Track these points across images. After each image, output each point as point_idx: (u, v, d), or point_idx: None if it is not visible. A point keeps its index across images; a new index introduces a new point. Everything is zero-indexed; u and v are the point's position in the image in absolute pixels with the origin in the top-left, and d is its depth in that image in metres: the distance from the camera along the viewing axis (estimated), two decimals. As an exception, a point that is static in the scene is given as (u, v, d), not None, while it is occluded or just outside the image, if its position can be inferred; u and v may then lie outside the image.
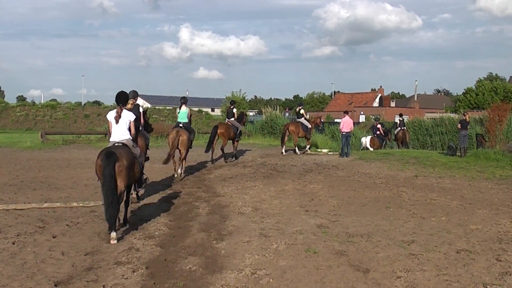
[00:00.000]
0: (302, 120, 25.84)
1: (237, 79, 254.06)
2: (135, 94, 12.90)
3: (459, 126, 24.73)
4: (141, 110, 13.37)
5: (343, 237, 9.13)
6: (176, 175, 16.99)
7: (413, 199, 13.29)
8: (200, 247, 8.50)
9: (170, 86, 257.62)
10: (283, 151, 24.98)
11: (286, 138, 25.44)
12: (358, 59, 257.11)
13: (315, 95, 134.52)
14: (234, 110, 23.51)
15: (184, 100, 18.11)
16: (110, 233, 8.86)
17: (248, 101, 66.46)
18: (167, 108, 59.67)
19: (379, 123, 32.36)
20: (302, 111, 26.16)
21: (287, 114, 56.60)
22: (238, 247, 8.49)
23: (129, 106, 11.94)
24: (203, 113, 57.11)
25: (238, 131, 22.96)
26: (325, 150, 28.17)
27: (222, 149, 22.32)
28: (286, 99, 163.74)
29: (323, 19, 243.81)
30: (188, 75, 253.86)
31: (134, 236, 9.18)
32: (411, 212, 11.61)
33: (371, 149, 29.80)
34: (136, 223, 10.24)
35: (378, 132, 31.32)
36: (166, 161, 15.91)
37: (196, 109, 64.37)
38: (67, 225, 9.96)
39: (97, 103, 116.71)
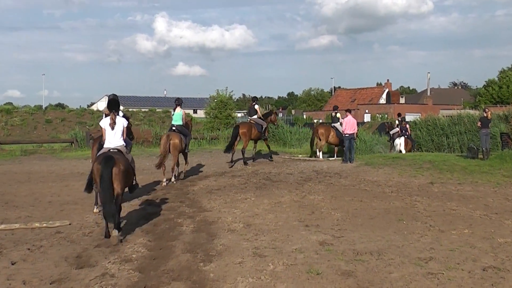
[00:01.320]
0: (337, 125, 26.91)
1: (222, 76, 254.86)
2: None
3: (479, 124, 24.78)
4: (121, 114, 13.28)
5: (350, 255, 9.12)
6: (164, 182, 18.11)
7: (429, 209, 13.30)
8: (185, 270, 8.46)
9: (145, 85, 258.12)
10: (320, 155, 26.19)
11: (317, 142, 26.84)
12: (360, 50, 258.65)
13: (312, 92, 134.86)
14: (256, 106, 24.64)
15: (178, 102, 19.83)
16: (112, 231, 10.41)
17: (235, 100, 66.50)
18: (143, 110, 59.71)
19: (406, 123, 32.72)
20: (338, 115, 27.47)
21: (280, 115, 56.64)
22: (229, 269, 8.46)
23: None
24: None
25: (263, 129, 24.39)
26: (325, 156, 28.17)
27: (242, 152, 23.69)
28: (279, 97, 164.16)
29: (318, 5, 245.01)
30: (165, 71, 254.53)
31: (108, 260, 9.13)
32: (428, 225, 11.61)
33: (404, 152, 29.99)
34: (109, 244, 10.18)
35: (408, 133, 31.60)
36: (158, 166, 18.06)
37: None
38: (29, 249, 9.89)
39: (60, 106, 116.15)
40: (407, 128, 31.92)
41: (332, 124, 27.43)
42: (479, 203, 14.01)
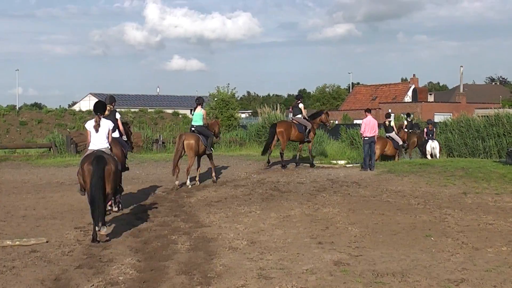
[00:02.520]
0: (393, 135, 28.44)
1: (223, 71, 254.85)
2: (112, 100, 16.39)
3: (520, 125, 24.74)
4: (118, 116, 16.20)
5: (369, 277, 9.13)
6: (176, 185, 19.63)
7: (461, 224, 13.30)
8: (179, 295, 8.46)
9: (135, 81, 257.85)
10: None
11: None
12: (382, 40, 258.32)
13: (327, 89, 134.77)
14: (301, 105, 25.38)
15: (199, 101, 21.03)
16: (99, 230, 11.77)
17: (239, 99, 66.46)
18: (132, 110, 59.84)
19: (433, 126, 33.12)
20: (392, 124, 28.96)
21: (290, 115, 56.62)
22: (230, 293, 8.47)
23: (106, 112, 14.10)
24: (180, 116, 57.24)
25: (307, 130, 24.94)
26: (342, 162, 28.19)
27: (281, 154, 24.52)
28: (289, 96, 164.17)
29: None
30: (158, 66, 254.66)
31: (91, 283, 9.15)
32: (460, 242, 11.61)
33: (439, 156, 30.37)
34: (93, 265, 10.20)
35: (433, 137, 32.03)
36: (173, 171, 19.72)
37: (170, 111, 64.58)
38: None
39: (37, 106, 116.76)
40: (433, 131, 32.17)
41: (387, 134, 28.59)
42: (519, 217, 13.99)
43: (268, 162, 24.64)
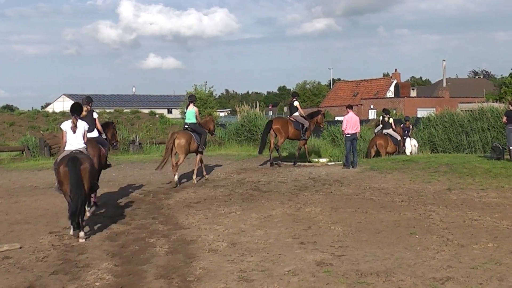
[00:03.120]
0: (391, 131, 28.61)
1: (201, 69, 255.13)
2: (89, 100, 17.18)
3: (504, 119, 24.75)
4: (95, 116, 16.91)
5: (353, 278, 9.14)
6: (174, 183, 20.34)
7: (446, 220, 13.36)
8: (158, 299, 8.44)
9: (110, 81, 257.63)
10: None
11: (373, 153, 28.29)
12: (363, 35, 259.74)
13: (307, 86, 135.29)
14: (296, 103, 25.63)
15: (191, 99, 22.03)
16: (78, 232, 12.52)
17: (217, 97, 66.49)
18: (107, 111, 59.50)
19: (410, 123, 33.74)
20: (391, 120, 29.28)
21: (270, 113, 56.63)
22: (210, 297, 8.45)
23: (83, 113, 15.18)
24: (157, 115, 57.02)
25: (304, 129, 25.39)
26: (323, 160, 28.23)
27: (276, 148, 24.86)
28: (268, 93, 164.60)
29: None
30: (134, 64, 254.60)
31: (66, 289, 9.10)
32: (445, 239, 11.66)
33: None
34: (69, 270, 10.14)
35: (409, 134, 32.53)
36: (158, 167, 20.63)
37: (146, 111, 64.35)
38: (-28, 278, 9.85)
39: (8, 108, 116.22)
40: (409, 129, 32.74)
41: (385, 131, 29.09)
42: (506, 212, 14.07)
43: (272, 162, 24.84)
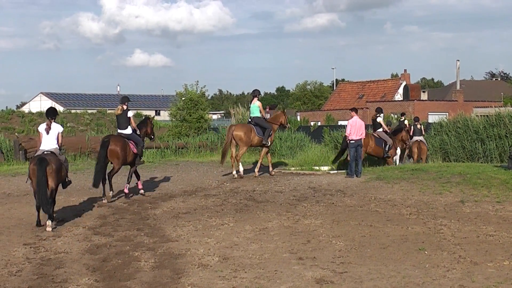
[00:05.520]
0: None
1: (191, 66, 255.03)
2: (125, 100, 20.37)
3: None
4: (130, 115, 19.97)
5: (357, 296, 9.14)
6: (235, 173, 23.61)
7: (458, 235, 13.38)
8: (143, 318, 8.46)
9: (92, 79, 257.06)
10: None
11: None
12: (368, 32, 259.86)
13: (308, 87, 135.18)
14: (379, 119, 27.45)
15: (255, 93, 24.63)
16: (47, 222, 14.93)
17: (209, 98, 66.34)
18: (89, 111, 59.52)
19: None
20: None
21: (268, 116, 56.55)
22: (199, 316, 8.47)
23: (118, 111, 19.91)
24: (143, 117, 57.09)
25: (387, 146, 27.54)
26: (325, 168, 28.25)
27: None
28: (266, 94, 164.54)
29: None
30: (118, 61, 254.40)
31: (41, 306, 9.11)
32: (457, 255, 11.68)
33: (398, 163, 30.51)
34: (45, 286, 10.15)
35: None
36: (221, 161, 24.16)
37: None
38: None
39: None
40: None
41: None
42: (522, 227, 14.10)
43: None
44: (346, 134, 25.00)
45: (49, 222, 14.95)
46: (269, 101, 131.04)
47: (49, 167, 15.14)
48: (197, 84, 43.77)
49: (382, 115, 29.47)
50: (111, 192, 19.71)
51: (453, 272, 10.52)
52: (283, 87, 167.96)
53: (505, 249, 12.11)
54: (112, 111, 63.99)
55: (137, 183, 20.56)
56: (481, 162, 31.90)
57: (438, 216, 15.58)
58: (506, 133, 34.92)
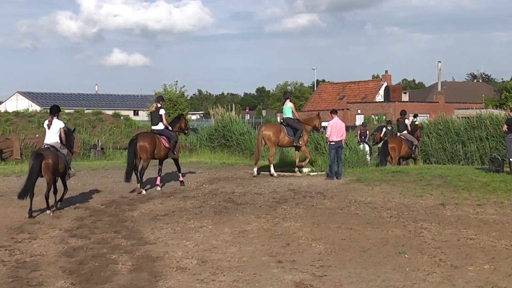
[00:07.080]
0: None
1: (170, 66, 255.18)
2: (159, 99, 22.99)
3: (505, 128, 24.83)
4: (161, 112, 21.91)
5: (336, 300, 9.15)
6: (273, 173, 24.69)
7: (439, 239, 13.43)
8: (119, 323, 8.43)
9: (69, 78, 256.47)
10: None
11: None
12: (349, 33, 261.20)
13: (288, 87, 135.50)
14: (407, 121, 28.54)
15: (286, 95, 26.41)
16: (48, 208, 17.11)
17: (188, 98, 66.29)
18: (66, 111, 59.13)
19: (365, 128, 35.11)
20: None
21: (247, 117, 56.56)
22: (177, 320, 8.46)
23: (152, 109, 22.49)
24: (122, 117, 56.74)
25: (414, 146, 29.07)
26: (305, 170, 28.26)
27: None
28: (246, 94, 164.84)
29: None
30: (96, 61, 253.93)
31: (16, 310, 9.06)
32: (437, 259, 11.73)
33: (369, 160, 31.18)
34: (19, 289, 10.10)
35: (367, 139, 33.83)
36: (255, 162, 24.95)
37: (110, 112, 64.14)
38: None
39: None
40: (366, 134, 34.18)
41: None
42: (504, 231, 14.16)
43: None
44: (326, 136, 25.02)
45: (48, 212, 17.06)
46: (248, 102, 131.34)
47: (45, 161, 16.67)
48: (176, 84, 43.96)
49: (414, 118, 30.70)
50: (142, 188, 21.01)
51: (433, 276, 10.56)
52: (263, 87, 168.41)
53: (485, 253, 12.16)
54: (90, 111, 63.93)
55: (156, 178, 22.22)
56: (462, 164, 32.10)
57: (418, 219, 15.62)
58: (487, 135, 35.11)
